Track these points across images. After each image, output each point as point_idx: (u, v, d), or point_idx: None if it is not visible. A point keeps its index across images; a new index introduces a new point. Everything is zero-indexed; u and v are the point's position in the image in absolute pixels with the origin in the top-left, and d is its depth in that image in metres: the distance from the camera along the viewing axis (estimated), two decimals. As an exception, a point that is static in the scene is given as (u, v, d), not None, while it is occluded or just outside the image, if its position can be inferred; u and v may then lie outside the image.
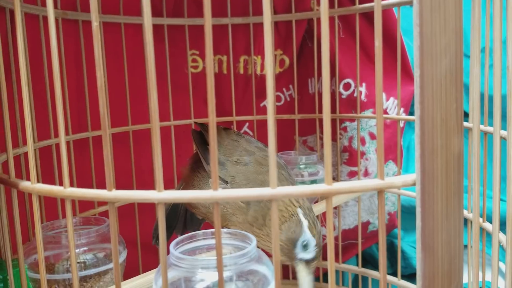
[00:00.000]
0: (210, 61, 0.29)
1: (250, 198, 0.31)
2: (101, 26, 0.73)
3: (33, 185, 0.34)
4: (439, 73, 0.31)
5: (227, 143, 0.63)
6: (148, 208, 0.81)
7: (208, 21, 0.28)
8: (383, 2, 0.72)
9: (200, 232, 0.41)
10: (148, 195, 0.30)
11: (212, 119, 0.29)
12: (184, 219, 0.72)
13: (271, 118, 0.29)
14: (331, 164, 0.31)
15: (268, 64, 0.29)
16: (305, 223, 0.53)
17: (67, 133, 0.68)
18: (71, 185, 0.32)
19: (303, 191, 0.30)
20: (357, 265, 0.84)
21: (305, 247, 0.52)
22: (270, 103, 0.29)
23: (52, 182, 0.64)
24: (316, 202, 0.77)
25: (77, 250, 0.49)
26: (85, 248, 0.50)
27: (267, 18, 0.29)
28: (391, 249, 0.99)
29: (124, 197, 0.31)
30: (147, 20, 0.29)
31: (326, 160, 0.30)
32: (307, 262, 0.53)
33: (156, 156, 0.30)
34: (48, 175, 0.65)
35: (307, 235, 0.52)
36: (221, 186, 0.58)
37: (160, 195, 0.30)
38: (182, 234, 0.71)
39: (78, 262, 0.48)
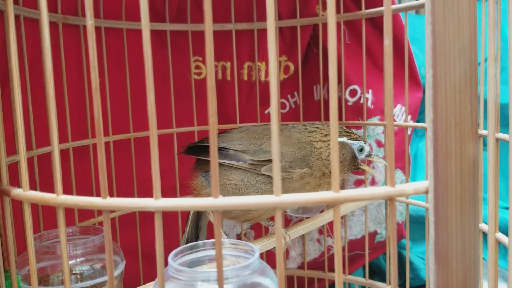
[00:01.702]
0: (211, 59, 0.27)
1: (253, 206, 0.29)
2: (103, 31, 0.71)
3: (25, 193, 0.33)
4: (452, 73, 0.29)
5: (235, 133, 0.64)
6: (151, 217, 0.79)
7: (208, 23, 0.27)
8: (391, 7, 0.70)
9: (201, 242, 0.39)
10: (145, 203, 0.29)
11: (212, 122, 0.28)
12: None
13: (274, 124, 0.28)
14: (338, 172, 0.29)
15: (272, 71, 0.27)
16: (344, 139, 0.65)
17: (66, 140, 0.66)
18: (70, 193, 0.31)
19: (309, 199, 0.28)
20: (364, 276, 0.81)
21: (361, 150, 0.66)
22: (273, 108, 0.28)
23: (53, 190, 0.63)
24: (322, 211, 0.75)
25: (73, 261, 0.47)
26: (82, 259, 0.48)
27: (271, 24, 0.27)
28: (399, 260, 0.97)
29: (119, 205, 0.29)
30: (144, 17, 0.27)
31: (333, 166, 0.28)
32: (369, 155, 0.66)
33: (154, 162, 0.29)
34: (49, 183, 0.63)
35: (354, 144, 0.65)
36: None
37: (157, 203, 0.29)
38: None
39: (74, 274, 0.47)
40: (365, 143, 0.67)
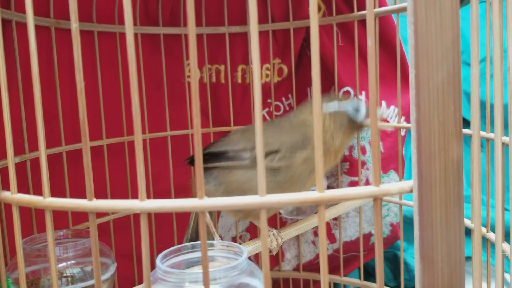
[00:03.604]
0: (194, 61, 0.27)
1: (238, 206, 0.29)
2: (95, 35, 0.72)
3: (13, 195, 0.33)
4: (435, 74, 0.29)
5: (232, 135, 0.64)
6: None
7: (192, 27, 0.27)
8: (382, 9, 0.71)
9: (189, 244, 0.39)
10: (130, 205, 0.29)
11: (196, 124, 0.28)
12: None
13: (258, 123, 0.28)
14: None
15: (255, 75, 0.28)
16: (334, 106, 0.59)
17: (59, 144, 0.66)
18: (64, 196, 0.31)
19: (293, 199, 0.29)
20: (360, 278, 0.82)
21: (357, 110, 0.59)
22: (257, 108, 0.28)
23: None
24: (316, 213, 0.75)
25: (63, 264, 0.47)
26: (73, 262, 0.48)
27: (254, 28, 0.27)
28: (394, 261, 0.97)
29: (105, 207, 0.29)
30: (128, 21, 0.27)
31: (317, 166, 0.28)
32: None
33: (138, 162, 0.29)
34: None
35: (347, 106, 0.59)
36: (274, 157, 0.57)
37: (143, 204, 0.29)
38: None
39: (65, 276, 0.47)
40: (360, 100, 0.61)
